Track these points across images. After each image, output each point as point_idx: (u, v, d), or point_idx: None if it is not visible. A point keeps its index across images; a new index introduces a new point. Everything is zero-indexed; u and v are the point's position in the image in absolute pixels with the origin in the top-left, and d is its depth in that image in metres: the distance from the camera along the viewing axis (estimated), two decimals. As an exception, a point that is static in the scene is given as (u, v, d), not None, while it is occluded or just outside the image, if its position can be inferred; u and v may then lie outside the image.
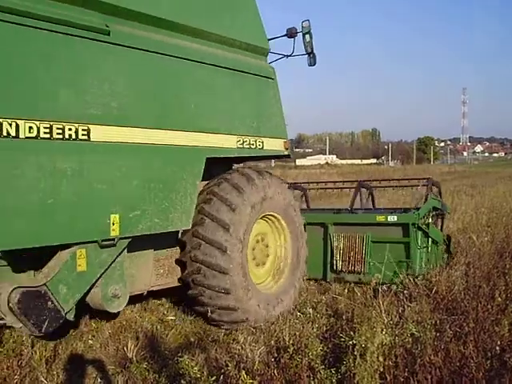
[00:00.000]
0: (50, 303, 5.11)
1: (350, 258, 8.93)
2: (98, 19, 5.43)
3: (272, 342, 6.16)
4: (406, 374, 4.88)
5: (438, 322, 6.29)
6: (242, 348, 5.91)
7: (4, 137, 4.61)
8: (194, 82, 6.48)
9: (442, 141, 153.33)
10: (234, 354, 5.81)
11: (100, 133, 5.34)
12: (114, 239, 5.57)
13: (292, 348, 5.73)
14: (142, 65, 5.86)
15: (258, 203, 6.86)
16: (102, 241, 5.48)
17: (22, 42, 4.82)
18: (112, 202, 5.49)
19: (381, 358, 4.67)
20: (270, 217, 7.33)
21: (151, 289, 6.67)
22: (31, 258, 5.46)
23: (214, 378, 4.80)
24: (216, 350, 5.99)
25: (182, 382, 4.84)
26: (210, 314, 6.64)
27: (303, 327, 6.62)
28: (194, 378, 5.03)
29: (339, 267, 9.01)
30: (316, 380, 4.90)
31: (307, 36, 8.02)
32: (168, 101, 6.13)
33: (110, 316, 7.30)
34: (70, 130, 5.06)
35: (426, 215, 8.80)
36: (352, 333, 5.80)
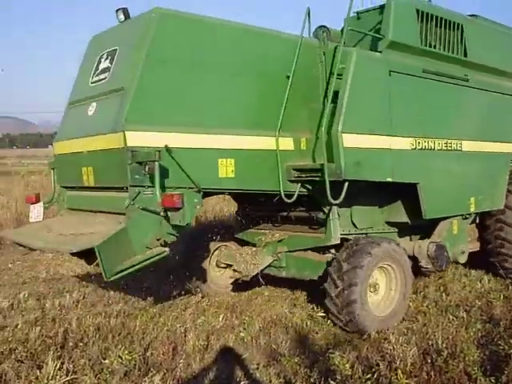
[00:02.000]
0: (445, 252, 7.85)
1: None
2: (460, 71, 8.10)
3: (424, 344, 6.02)
4: None
5: None
6: (393, 348, 5.80)
7: (423, 150, 7.42)
8: (506, 109, 8.99)
9: None
10: (385, 354, 5.72)
11: (467, 145, 8.09)
12: (470, 214, 8.42)
13: (446, 352, 5.57)
14: (485, 99, 8.52)
15: None
16: (466, 214, 8.34)
17: (434, 90, 7.67)
18: (471, 189, 8.25)
19: None
20: None
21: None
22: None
23: (368, 376, 4.75)
24: (367, 348, 5.93)
25: (336, 377, 4.80)
26: (503, 262, 8.94)
27: (457, 331, 6.40)
28: (345, 375, 5.01)
29: None
30: (475, 386, 4.72)
31: None
32: (495, 122, 8.79)
33: (260, 310, 7.51)
34: (451, 143, 7.86)
35: None
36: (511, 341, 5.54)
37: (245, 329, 6.78)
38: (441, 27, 7.83)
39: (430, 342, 6.03)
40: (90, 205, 6.58)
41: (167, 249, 5.68)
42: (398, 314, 7.03)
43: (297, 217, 7.56)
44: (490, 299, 7.84)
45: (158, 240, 5.75)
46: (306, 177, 6.76)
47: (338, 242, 7.22)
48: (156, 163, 5.42)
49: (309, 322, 6.96)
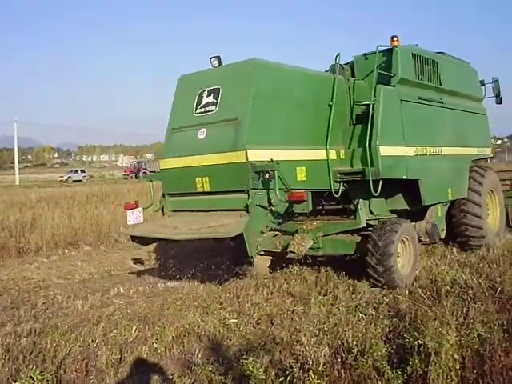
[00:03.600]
0: (436, 229, 10.38)
1: None
2: (437, 96, 10.77)
3: (335, 343, 6.15)
4: (474, 376, 4.81)
5: (505, 322, 6.18)
6: (305, 350, 5.90)
7: (421, 155, 9.90)
8: (466, 122, 11.87)
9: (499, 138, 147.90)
10: (297, 356, 5.81)
11: (445, 150, 10.66)
12: (448, 201, 10.98)
13: (356, 349, 5.72)
14: (453, 115, 11.23)
15: (490, 181, 12.00)
16: (446, 201, 11.03)
17: (424, 111, 10.25)
18: (448, 182, 10.73)
19: (456, 356, 4.60)
20: (490, 191, 12.26)
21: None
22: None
23: (280, 379, 4.81)
24: (280, 351, 5.99)
25: (250, 382, 4.85)
26: (465, 231, 11.39)
27: (366, 328, 6.58)
28: (259, 380, 5.06)
29: None
30: (383, 380, 4.88)
31: (495, 84, 13.43)
32: (460, 132, 11.47)
33: (172, 320, 7.50)
34: (436, 150, 10.41)
35: None
36: (416, 333, 5.75)
37: (158, 339, 6.74)
38: (424, 64, 10.44)
39: (341, 341, 6.17)
40: (201, 206, 8.69)
41: (276, 232, 8.40)
42: (412, 273, 9.33)
43: (331, 208, 9.87)
44: (396, 295, 8.10)
45: (266, 227, 8.18)
46: (348, 178, 9.19)
47: (365, 225, 9.36)
48: (276, 172, 7.72)
49: (222, 329, 6.98)
